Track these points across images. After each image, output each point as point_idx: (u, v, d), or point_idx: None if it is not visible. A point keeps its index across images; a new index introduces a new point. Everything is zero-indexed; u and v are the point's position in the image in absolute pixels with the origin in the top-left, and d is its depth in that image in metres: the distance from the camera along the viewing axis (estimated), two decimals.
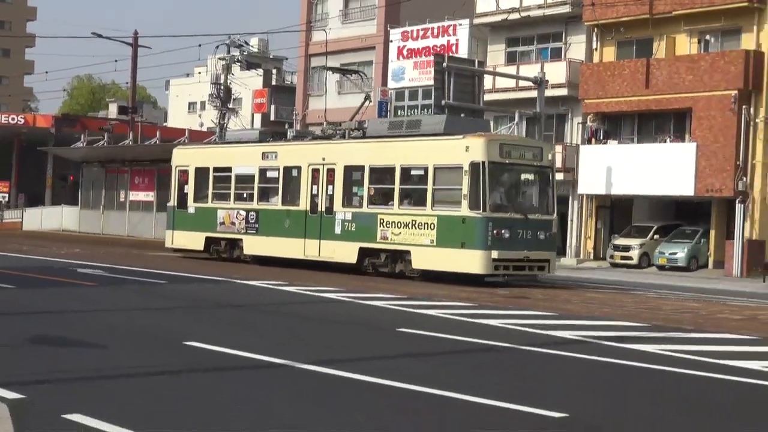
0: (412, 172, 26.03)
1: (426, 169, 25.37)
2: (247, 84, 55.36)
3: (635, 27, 42.18)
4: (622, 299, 22.65)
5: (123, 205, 50.14)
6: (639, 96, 41.06)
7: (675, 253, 38.77)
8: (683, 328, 17.36)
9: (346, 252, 27.13)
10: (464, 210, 24.31)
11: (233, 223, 30.88)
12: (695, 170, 38.54)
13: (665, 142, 40.40)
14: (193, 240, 32.54)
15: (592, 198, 43.21)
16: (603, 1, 41.82)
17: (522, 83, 41.71)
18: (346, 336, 15.44)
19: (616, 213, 43.77)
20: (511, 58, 47.26)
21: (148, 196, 48.62)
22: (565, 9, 44.36)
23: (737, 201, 37.59)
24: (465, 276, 25.35)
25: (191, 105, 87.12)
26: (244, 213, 30.52)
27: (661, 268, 38.67)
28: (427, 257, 25.24)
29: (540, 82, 37.65)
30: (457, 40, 47.85)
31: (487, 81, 42.36)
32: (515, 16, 45.67)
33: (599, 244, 43.34)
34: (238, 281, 24.09)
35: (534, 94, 38.39)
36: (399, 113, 46.37)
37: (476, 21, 47.43)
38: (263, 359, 12.03)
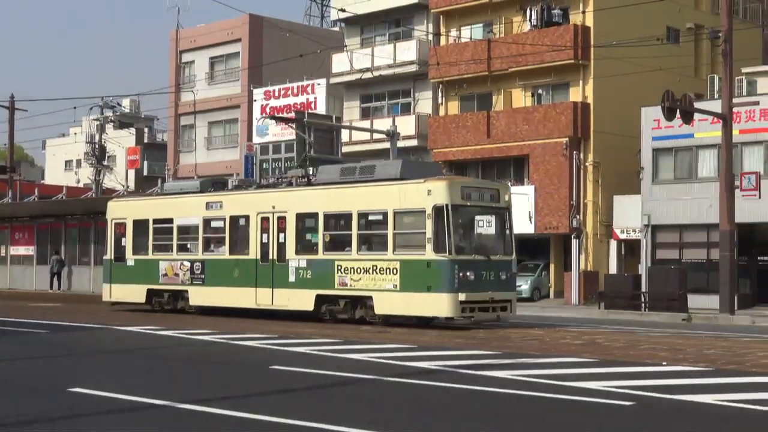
0: (370, 218, 24.40)
1: (385, 214, 23.78)
2: (120, 142, 55.31)
3: (476, 83, 43.52)
4: (476, 333, 22.86)
5: (4, 260, 49.44)
6: (482, 145, 42.57)
7: (519, 285, 39.85)
8: (530, 354, 17.67)
9: (302, 299, 25.30)
10: (429, 254, 22.78)
11: (177, 275, 28.89)
12: (534, 210, 40.10)
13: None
14: (134, 293, 30.24)
15: None
16: (446, 61, 43.35)
17: (376, 136, 42.35)
18: (222, 375, 15.26)
19: None
20: (365, 113, 48.31)
21: (29, 250, 48.07)
22: (413, 68, 45.58)
23: (573, 236, 39.05)
24: (428, 320, 24.33)
25: (68, 163, 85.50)
26: (188, 264, 28.53)
27: None
28: (390, 302, 23.62)
29: (392, 135, 38.06)
30: (315, 97, 48.81)
31: (345, 134, 43.28)
32: (368, 75, 46.79)
33: None
34: (118, 328, 23.67)
35: (387, 145, 38.81)
36: (264, 166, 47.06)
37: (332, 80, 48.32)
38: (142, 401, 11.86)
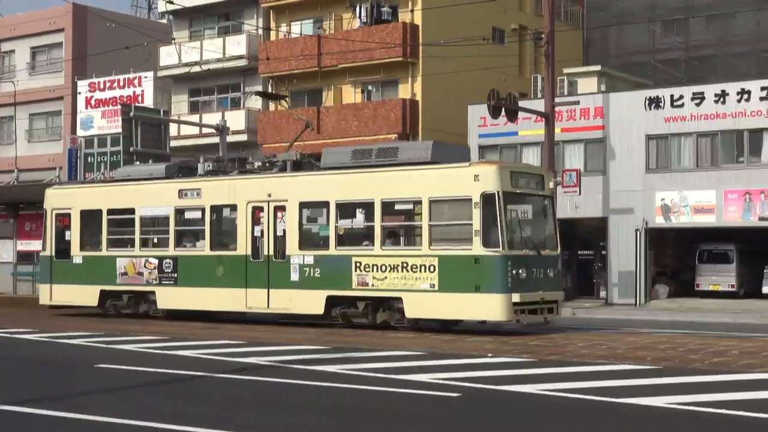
0: (398, 207, 21.32)
1: (418, 203, 20.59)
2: None
3: (306, 78, 43.38)
4: (307, 329, 22.68)
5: None
6: (312, 140, 42.49)
7: None
8: (360, 348, 17.79)
9: (309, 301, 21.79)
10: (477, 248, 19.58)
11: (140, 274, 24.71)
12: None
13: None
14: (83, 295, 25.88)
15: None
16: (276, 56, 42.96)
17: (205, 130, 41.76)
18: (44, 375, 14.79)
19: None
20: (194, 108, 47.45)
21: None
22: (243, 62, 45.12)
23: None
24: (452, 323, 21.60)
25: None
26: (155, 261, 24.47)
27: None
28: (426, 304, 20.31)
29: (222, 129, 37.66)
30: (142, 90, 47.37)
31: (173, 128, 42.49)
32: (197, 68, 46.15)
33: None
34: None
35: (217, 140, 38.29)
36: (89, 160, 45.55)
37: (160, 73, 47.07)
38: None
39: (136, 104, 41.31)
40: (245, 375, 14.23)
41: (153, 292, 24.67)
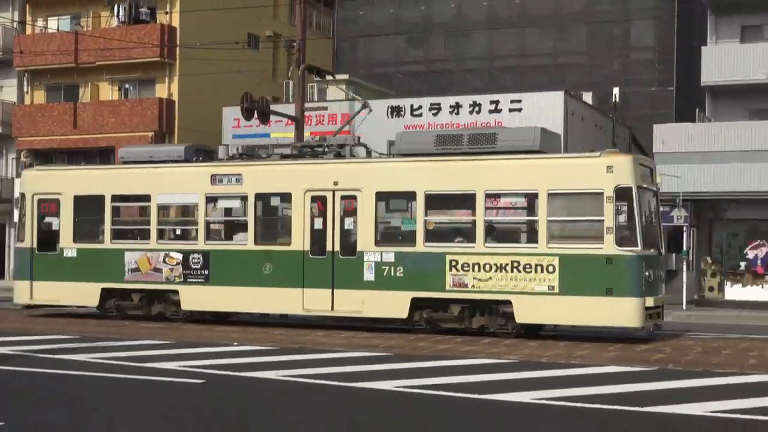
0: (504, 200, 19.05)
1: (532, 196, 18.20)
2: None
3: (63, 74, 42.56)
4: (56, 318, 22.10)
5: None
6: (68, 135, 41.77)
7: None
8: (112, 337, 17.71)
9: (389, 304, 18.94)
10: (609, 247, 17.34)
11: (158, 270, 21.12)
12: None
13: None
14: (76, 293, 21.97)
15: None
16: (32, 50, 41.98)
17: None
18: None
19: None
20: None
21: None
22: None
23: None
24: (602, 330, 18.92)
25: None
26: (178, 256, 20.93)
27: None
28: (542, 308, 17.86)
29: None
30: None
31: None
32: None
33: None
34: None
35: None
36: None
37: None
38: None
39: None
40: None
41: (176, 292, 21.07)
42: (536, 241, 17.88)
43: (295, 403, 11.34)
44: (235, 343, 16.98)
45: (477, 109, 34.62)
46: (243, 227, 20.67)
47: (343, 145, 20.60)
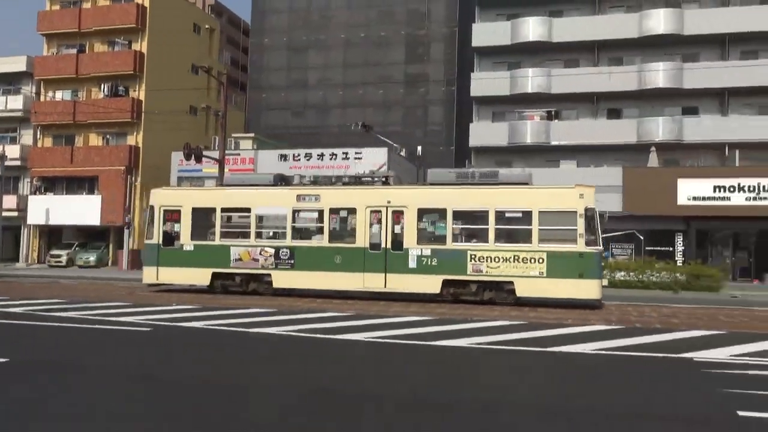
0: (508, 215, 18.11)
1: (526, 213, 17.74)
2: None
3: (64, 128, 41.42)
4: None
5: None
6: (68, 167, 41.01)
7: (89, 258, 38.83)
8: (90, 299, 16.89)
9: (426, 283, 18.32)
10: (581, 246, 17.18)
11: (255, 260, 19.82)
12: (101, 211, 39.30)
13: (83, 194, 40.96)
14: (193, 275, 20.33)
15: (37, 227, 42.21)
16: (44, 111, 41.14)
17: None
18: None
19: (53, 235, 42.75)
20: None
21: None
22: (20, 113, 42.49)
23: (125, 228, 39.08)
24: (573, 302, 18.17)
25: None
26: (271, 250, 19.72)
27: (81, 267, 38.06)
28: (534, 286, 17.54)
29: (2, 157, 35.81)
30: None
31: None
32: None
33: (41, 254, 42.40)
34: None
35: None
36: None
37: None
38: None
39: None
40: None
41: (269, 275, 19.81)
42: (531, 242, 17.60)
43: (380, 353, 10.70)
44: (174, 304, 15.89)
45: (334, 157, 34.70)
46: (320, 230, 19.48)
47: (386, 177, 20.07)
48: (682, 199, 30.98)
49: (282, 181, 20.68)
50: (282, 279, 19.62)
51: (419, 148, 37.78)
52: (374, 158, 34.22)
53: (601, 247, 17.28)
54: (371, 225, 18.91)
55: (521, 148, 37.15)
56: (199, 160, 31.44)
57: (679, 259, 31.54)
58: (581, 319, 14.64)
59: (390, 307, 16.69)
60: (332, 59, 50.25)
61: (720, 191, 30.89)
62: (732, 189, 30.75)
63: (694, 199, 31.06)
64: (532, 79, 37.26)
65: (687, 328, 13.34)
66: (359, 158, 34.55)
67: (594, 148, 36.37)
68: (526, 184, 18.30)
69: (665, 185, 31.10)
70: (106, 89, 40.98)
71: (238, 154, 36.48)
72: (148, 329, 12.00)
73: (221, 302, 16.57)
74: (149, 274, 20.67)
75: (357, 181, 20.07)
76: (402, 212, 18.70)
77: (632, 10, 37.62)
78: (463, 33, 46.13)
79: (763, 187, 30.52)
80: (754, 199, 30.48)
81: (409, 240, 18.49)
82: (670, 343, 11.33)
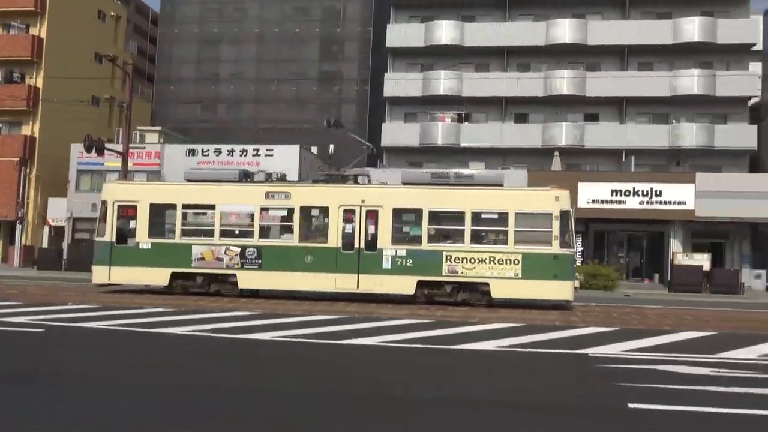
0: (484, 216, 17.67)
1: (502, 214, 17.45)
2: None
3: None
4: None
5: None
6: None
7: None
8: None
9: (400, 284, 17.75)
10: (555, 248, 17.07)
11: (219, 259, 18.59)
12: None
13: None
14: (150, 275, 18.91)
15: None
16: None
17: None
18: None
19: None
20: None
21: None
22: None
23: (17, 222, 37.18)
24: (545, 303, 17.94)
25: None
26: (237, 249, 18.54)
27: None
28: (509, 287, 17.27)
29: None
30: None
31: None
32: None
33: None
34: None
35: None
36: None
37: None
38: None
39: None
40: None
41: (234, 275, 18.66)
42: (507, 243, 17.35)
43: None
44: (69, 303, 15.35)
45: (245, 153, 34.19)
46: (290, 229, 18.56)
47: (356, 176, 19.49)
48: (582, 202, 32.15)
49: (246, 177, 19.64)
50: (248, 279, 18.58)
51: (332, 146, 37.65)
52: (288, 154, 33.98)
53: (574, 249, 17.34)
54: (344, 224, 18.20)
55: (432, 149, 37.76)
56: (100, 152, 30.27)
57: (577, 259, 32.83)
58: (485, 318, 14.94)
59: (300, 306, 16.49)
60: (245, 53, 49.49)
61: (617, 195, 32.28)
62: (627, 193, 32.16)
63: (593, 202, 32.31)
64: (444, 82, 37.86)
65: (584, 326, 13.87)
66: (270, 155, 34.27)
67: (502, 151, 37.43)
68: (501, 185, 18.11)
69: (567, 188, 32.42)
70: (1, 75, 38.64)
71: (144, 148, 35.35)
72: (40, 330, 11.60)
73: (120, 301, 15.89)
74: (100, 274, 19.18)
75: (330, 178, 19.34)
76: (377, 212, 18.06)
77: (540, 19, 38.81)
78: (378, 33, 46.37)
79: (656, 192, 32.07)
80: (647, 203, 31.97)
81: (384, 240, 17.91)
82: (568, 340, 11.76)
